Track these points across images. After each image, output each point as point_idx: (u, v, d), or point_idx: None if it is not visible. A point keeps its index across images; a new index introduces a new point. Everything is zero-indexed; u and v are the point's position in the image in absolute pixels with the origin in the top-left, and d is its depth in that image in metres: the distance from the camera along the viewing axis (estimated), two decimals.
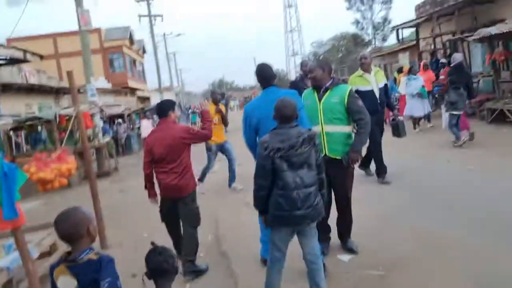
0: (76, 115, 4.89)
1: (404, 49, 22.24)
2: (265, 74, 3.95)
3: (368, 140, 5.40)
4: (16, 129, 12.07)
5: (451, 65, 8.94)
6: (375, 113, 6.06)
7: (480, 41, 11.29)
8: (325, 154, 3.95)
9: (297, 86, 6.04)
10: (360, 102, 4.08)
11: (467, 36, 12.10)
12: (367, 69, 6.56)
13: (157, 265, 2.32)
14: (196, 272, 4.21)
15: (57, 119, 10.13)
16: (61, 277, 2.09)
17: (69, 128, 9.39)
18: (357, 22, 49.59)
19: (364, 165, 7.20)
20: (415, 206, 5.48)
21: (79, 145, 12.02)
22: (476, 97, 10.75)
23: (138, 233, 5.83)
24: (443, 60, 13.70)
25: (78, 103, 4.84)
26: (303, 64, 6.90)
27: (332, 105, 4.02)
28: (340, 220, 4.35)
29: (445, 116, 9.29)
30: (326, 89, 4.08)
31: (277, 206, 2.98)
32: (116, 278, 2.09)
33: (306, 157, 2.96)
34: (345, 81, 7.07)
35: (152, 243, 2.43)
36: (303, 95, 4.30)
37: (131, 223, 6.56)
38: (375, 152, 6.79)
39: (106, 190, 9.95)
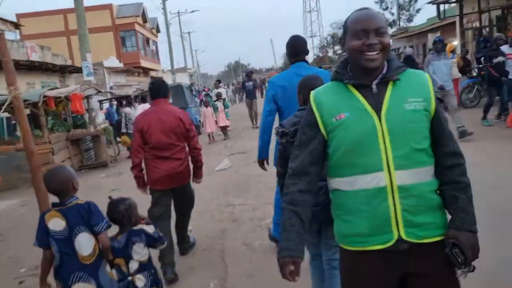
0: (12, 99, 3.27)
1: (434, 29, 20.25)
2: (298, 47, 3.58)
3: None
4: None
5: None
6: None
7: None
8: (400, 238, 1.65)
9: None
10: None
11: None
12: None
13: (119, 215, 2.75)
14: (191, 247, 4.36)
15: (41, 101, 8.49)
16: (53, 219, 2.53)
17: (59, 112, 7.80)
18: (381, 1, 47.03)
19: None
20: None
21: (72, 131, 10.60)
22: None
23: None
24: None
25: (15, 82, 3.23)
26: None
27: (409, 118, 1.66)
28: None
29: None
30: (384, 79, 1.70)
31: None
32: (106, 219, 2.61)
33: None
34: None
35: (109, 197, 2.84)
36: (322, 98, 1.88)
37: None
38: None
39: (98, 187, 8.51)
